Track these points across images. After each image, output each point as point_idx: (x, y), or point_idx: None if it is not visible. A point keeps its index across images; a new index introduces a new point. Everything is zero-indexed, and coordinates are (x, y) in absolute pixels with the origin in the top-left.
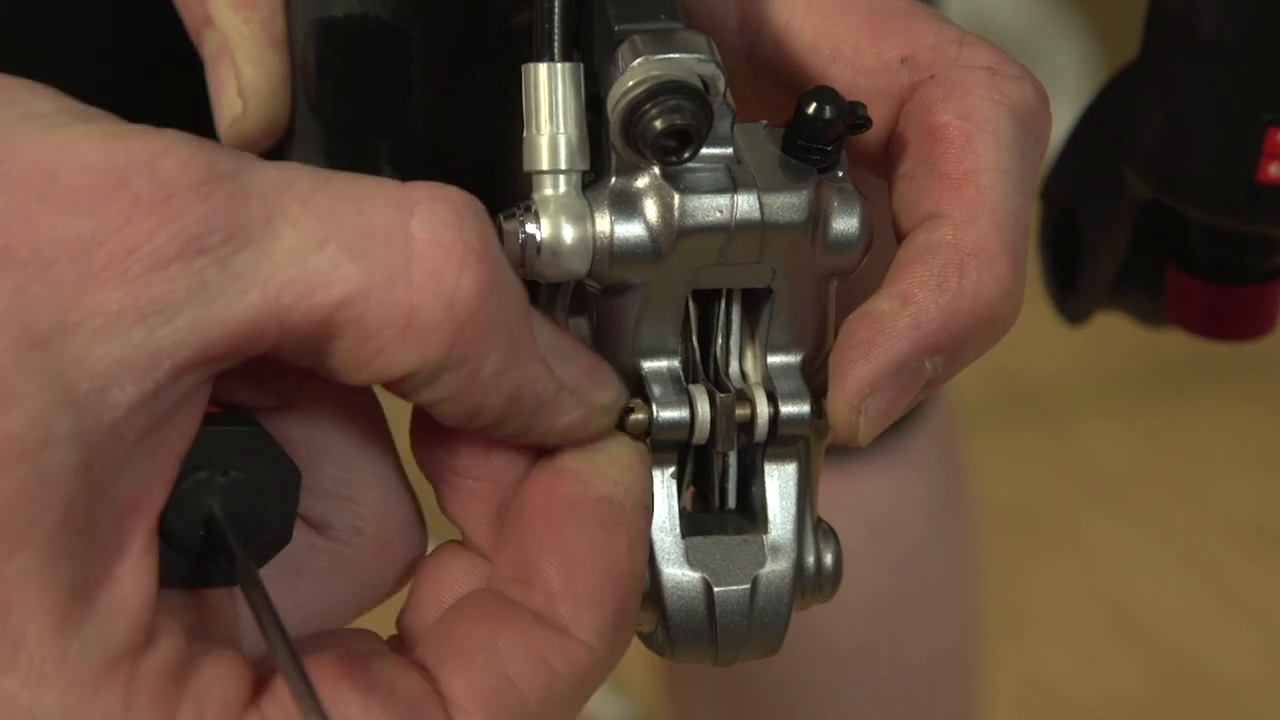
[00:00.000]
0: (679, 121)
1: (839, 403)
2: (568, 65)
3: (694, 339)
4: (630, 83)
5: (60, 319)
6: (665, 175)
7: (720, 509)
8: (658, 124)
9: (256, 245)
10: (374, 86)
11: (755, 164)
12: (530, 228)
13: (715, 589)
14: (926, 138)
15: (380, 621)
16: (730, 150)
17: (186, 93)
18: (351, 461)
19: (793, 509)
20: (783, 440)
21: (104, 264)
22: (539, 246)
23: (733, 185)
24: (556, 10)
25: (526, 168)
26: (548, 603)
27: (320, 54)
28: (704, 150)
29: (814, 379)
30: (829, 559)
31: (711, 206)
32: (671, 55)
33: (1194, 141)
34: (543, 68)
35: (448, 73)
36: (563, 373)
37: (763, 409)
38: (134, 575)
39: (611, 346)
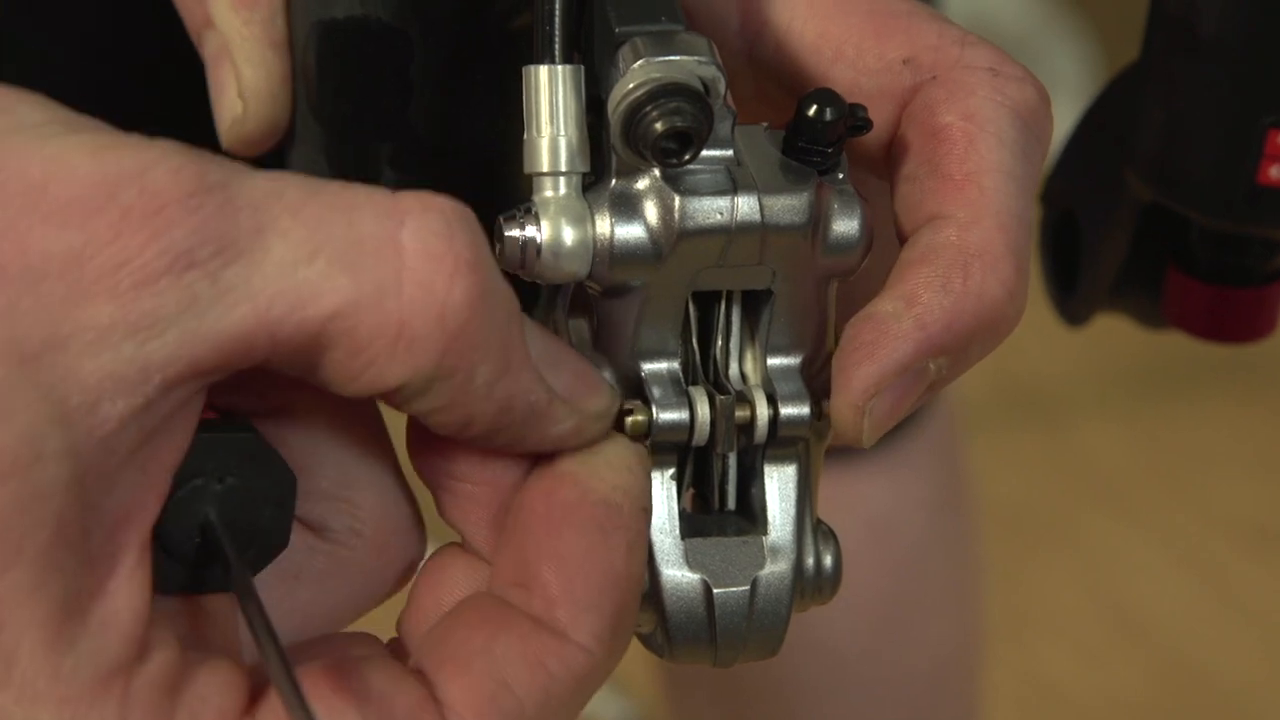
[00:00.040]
0: (679, 124)
1: (843, 404)
2: (568, 67)
3: (694, 341)
4: (631, 85)
5: (51, 333)
6: (665, 177)
7: (720, 510)
8: (658, 126)
9: (247, 258)
10: (375, 88)
11: (756, 166)
12: (530, 229)
13: (715, 590)
14: (929, 139)
15: (381, 622)
16: (731, 152)
17: (187, 93)
18: (349, 463)
19: (792, 510)
20: (782, 442)
21: (95, 278)
22: (539, 248)
23: (733, 187)
24: (557, 12)
25: (527, 170)
26: (546, 607)
27: (321, 55)
28: (704, 152)
29: (814, 381)
30: (829, 560)
31: (712, 208)
32: (672, 57)
33: (1194, 143)
34: (543, 70)
35: (448, 74)
36: (555, 381)
37: (762, 411)
38: (127, 589)
39: (611, 348)
